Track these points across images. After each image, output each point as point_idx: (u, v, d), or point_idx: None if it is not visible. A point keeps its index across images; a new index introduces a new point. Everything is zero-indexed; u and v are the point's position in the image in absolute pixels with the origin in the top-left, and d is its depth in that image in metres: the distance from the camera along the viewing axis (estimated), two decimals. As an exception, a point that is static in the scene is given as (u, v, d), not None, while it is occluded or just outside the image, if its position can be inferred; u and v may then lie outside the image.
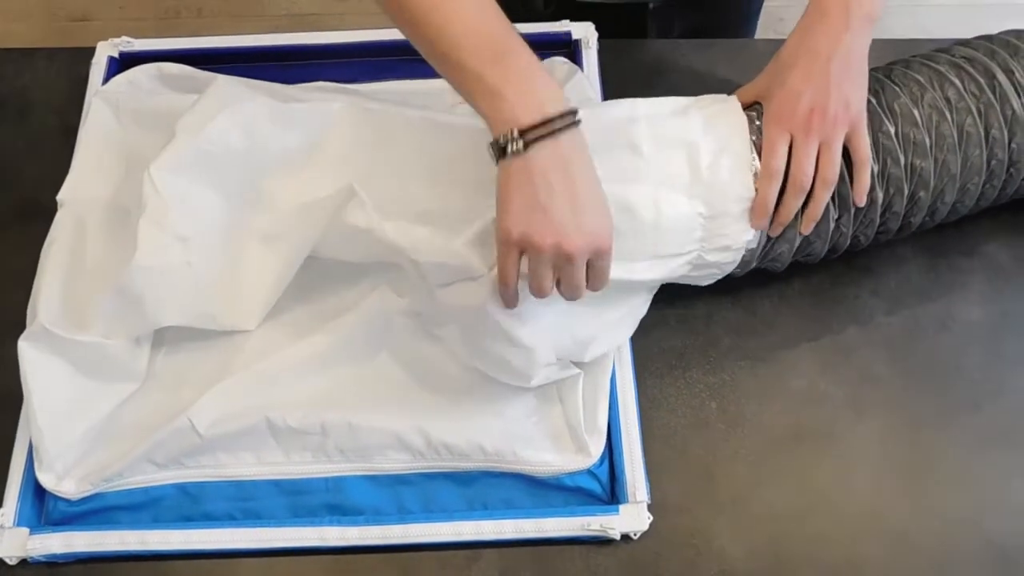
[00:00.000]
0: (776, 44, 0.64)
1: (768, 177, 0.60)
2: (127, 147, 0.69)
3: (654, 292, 0.65)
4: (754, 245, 0.63)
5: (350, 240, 0.60)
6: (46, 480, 0.60)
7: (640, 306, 0.64)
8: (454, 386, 0.62)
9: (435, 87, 0.74)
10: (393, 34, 0.77)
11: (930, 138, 0.62)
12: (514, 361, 0.59)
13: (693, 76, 0.77)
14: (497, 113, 0.50)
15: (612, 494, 0.60)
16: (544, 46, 0.74)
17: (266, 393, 0.61)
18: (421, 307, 0.62)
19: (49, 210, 0.67)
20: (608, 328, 0.62)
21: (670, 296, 0.64)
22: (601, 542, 0.59)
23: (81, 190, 0.67)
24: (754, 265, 0.65)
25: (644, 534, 0.59)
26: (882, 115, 0.62)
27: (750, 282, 0.66)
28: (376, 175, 0.62)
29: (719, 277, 0.65)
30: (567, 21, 0.76)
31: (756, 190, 0.60)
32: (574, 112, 0.51)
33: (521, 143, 0.50)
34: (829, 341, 0.66)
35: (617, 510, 0.59)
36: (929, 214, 0.65)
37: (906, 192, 0.63)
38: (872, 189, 0.62)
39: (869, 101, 0.62)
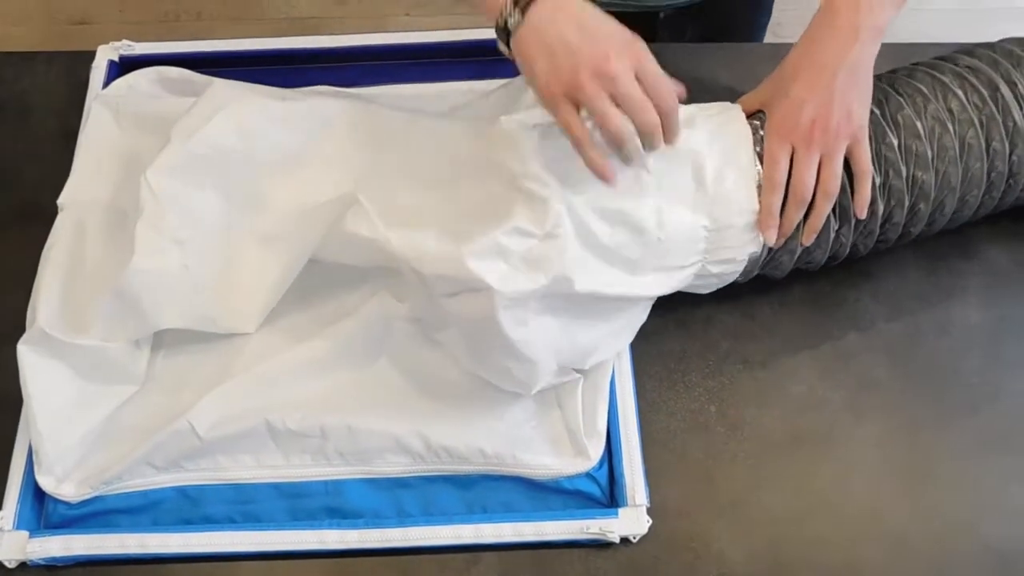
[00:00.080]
0: (776, 48, 0.64)
1: (770, 189, 0.60)
2: (127, 151, 0.69)
3: (654, 299, 0.65)
4: (757, 255, 0.63)
5: (351, 246, 0.60)
6: (46, 483, 0.60)
7: (640, 314, 0.64)
8: (454, 390, 0.62)
9: (434, 91, 0.75)
10: (392, 38, 0.78)
11: (932, 150, 0.62)
12: (517, 372, 0.59)
13: (696, 80, 0.76)
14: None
15: (611, 497, 0.60)
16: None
17: (266, 396, 0.61)
18: (421, 313, 0.62)
19: (49, 213, 0.67)
20: (609, 336, 0.62)
21: (670, 301, 0.64)
22: (600, 545, 0.59)
23: (81, 194, 0.68)
24: (755, 273, 0.65)
25: (643, 538, 0.59)
26: (885, 127, 0.62)
27: (749, 287, 0.66)
28: (376, 178, 0.62)
29: (720, 286, 0.65)
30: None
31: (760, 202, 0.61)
32: None
33: (518, 13, 0.52)
34: (828, 345, 0.66)
35: (616, 513, 0.59)
36: (928, 224, 0.65)
37: (906, 204, 0.63)
38: (873, 201, 0.62)
39: (873, 112, 0.62)
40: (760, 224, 0.60)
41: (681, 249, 0.60)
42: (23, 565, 0.59)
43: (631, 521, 0.59)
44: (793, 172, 0.60)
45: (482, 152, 0.60)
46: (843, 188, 0.61)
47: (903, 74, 0.66)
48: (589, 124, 0.55)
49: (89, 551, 0.59)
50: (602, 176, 0.55)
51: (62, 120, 0.75)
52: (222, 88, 0.66)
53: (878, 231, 0.64)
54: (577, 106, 0.53)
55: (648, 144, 0.55)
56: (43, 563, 0.59)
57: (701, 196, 0.60)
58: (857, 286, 0.68)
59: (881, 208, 0.63)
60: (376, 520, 0.60)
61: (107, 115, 0.71)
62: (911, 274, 0.69)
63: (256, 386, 0.61)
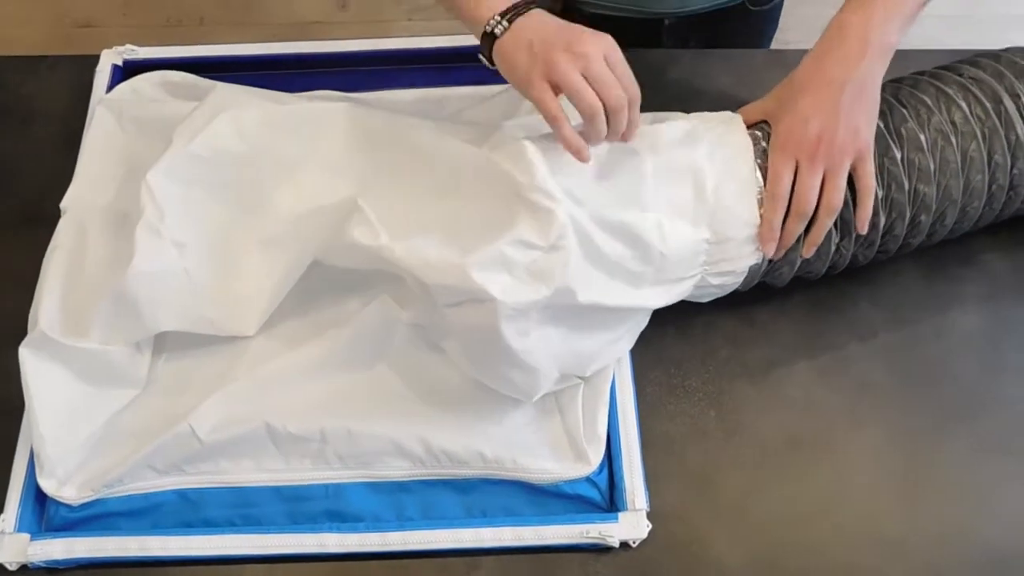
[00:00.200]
0: (780, 54, 0.64)
1: (773, 204, 0.60)
2: (130, 155, 0.69)
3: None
4: (757, 266, 0.63)
5: (354, 253, 0.60)
6: (47, 486, 0.60)
7: (641, 321, 0.64)
8: (454, 394, 0.62)
9: (436, 96, 0.75)
10: (394, 43, 0.78)
11: (934, 163, 0.62)
12: (518, 380, 0.59)
13: (697, 85, 0.77)
14: (476, 11, 0.57)
15: (611, 502, 0.61)
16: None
17: (266, 399, 0.61)
18: (423, 319, 0.62)
19: (52, 217, 0.68)
20: (610, 344, 0.62)
21: (670, 307, 0.64)
22: (600, 550, 0.59)
23: (84, 197, 0.68)
24: (755, 282, 0.65)
25: (643, 542, 0.59)
26: (889, 140, 0.63)
27: (749, 293, 0.67)
28: (377, 184, 0.63)
29: (720, 296, 0.65)
30: (573, 28, 0.77)
31: (761, 216, 0.61)
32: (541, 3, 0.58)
33: (504, 22, 0.56)
34: (827, 351, 0.67)
35: (616, 518, 0.59)
36: (928, 236, 0.66)
37: (908, 216, 0.63)
38: (875, 214, 0.62)
39: (877, 124, 0.62)
40: (761, 237, 0.61)
41: (682, 262, 0.61)
42: (24, 568, 0.59)
43: (631, 525, 0.59)
44: (796, 186, 0.60)
45: (485, 160, 0.60)
46: (845, 202, 0.61)
47: (907, 84, 0.66)
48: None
49: (90, 554, 0.59)
50: (576, 153, 0.56)
51: (66, 123, 0.76)
52: (224, 92, 0.66)
53: (878, 242, 0.64)
54: (553, 89, 0.55)
55: (614, 123, 0.56)
56: (44, 565, 0.59)
57: (702, 209, 0.60)
58: (856, 292, 0.69)
59: (883, 221, 0.63)
60: (376, 524, 0.60)
61: (111, 119, 0.71)
62: (910, 281, 0.69)
63: (257, 389, 0.62)
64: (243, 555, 0.59)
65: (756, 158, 0.61)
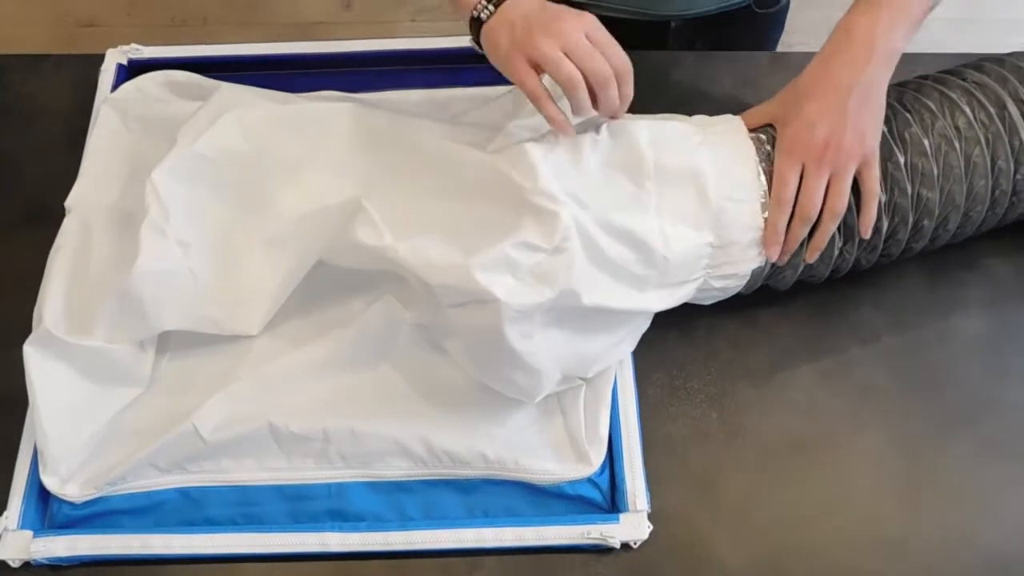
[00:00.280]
0: (785, 57, 0.64)
1: (778, 207, 0.60)
2: (135, 154, 0.69)
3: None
4: (760, 270, 0.63)
5: (358, 254, 0.60)
6: (50, 483, 0.60)
7: (643, 323, 0.64)
8: (457, 395, 0.63)
9: (440, 97, 0.75)
10: (397, 44, 0.78)
11: (938, 168, 0.62)
12: (521, 382, 0.59)
13: (701, 88, 0.77)
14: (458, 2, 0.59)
15: (612, 503, 0.61)
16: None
17: (270, 399, 0.62)
18: (426, 319, 0.62)
19: (56, 216, 0.68)
20: (612, 346, 0.63)
21: (672, 309, 0.64)
22: (601, 551, 0.59)
23: (89, 196, 0.68)
24: (758, 285, 0.65)
25: (644, 543, 0.59)
26: (892, 144, 0.63)
27: (752, 295, 0.67)
28: (380, 185, 0.63)
29: (723, 299, 0.65)
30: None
31: (765, 220, 0.61)
32: None
33: (491, 7, 0.58)
34: (829, 353, 0.67)
35: (617, 519, 0.59)
36: (931, 240, 0.66)
37: (911, 221, 0.63)
38: (878, 218, 0.62)
39: (881, 130, 0.62)
40: (765, 241, 0.61)
41: (685, 265, 0.61)
42: (27, 565, 0.59)
43: (632, 527, 0.59)
44: (801, 190, 0.60)
45: (488, 163, 0.60)
46: (849, 207, 0.61)
47: (911, 89, 0.66)
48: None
49: (93, 551, 0.59)
50: (561, 129, 0.58)
51: (70, 123, 0.76)
52: (229, 92, 0.66)
53: (881, 247, 0.64)
54: (536, 68, 0.56)
55: (604, 99, 0.57)
56: (47, 563, 0.59)
57: (704, 213, 0.60)
58: (859, 296, 0.69)
59: (885, 225, 0.63)
60: (378, 523, 0.60)
61: (115, 118, 0.71)
62: (913, 285, 0.69)
63: (260, 389, 0.62)
64: (245, 554, 0.59)
65: (759, 162, 0.61)
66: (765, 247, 0.61)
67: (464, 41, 0.77)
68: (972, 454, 0.63)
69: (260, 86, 0.69)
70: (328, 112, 0.65)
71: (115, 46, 0.78)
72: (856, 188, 0.61)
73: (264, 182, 0.64)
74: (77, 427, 0.61)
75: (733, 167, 0.61)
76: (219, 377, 0.63)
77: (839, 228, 0.62)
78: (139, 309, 0.60)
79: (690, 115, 0.65)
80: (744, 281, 0.63)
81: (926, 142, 0.62)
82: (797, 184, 0.60)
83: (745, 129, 0.63)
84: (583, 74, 0.55)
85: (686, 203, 0.60)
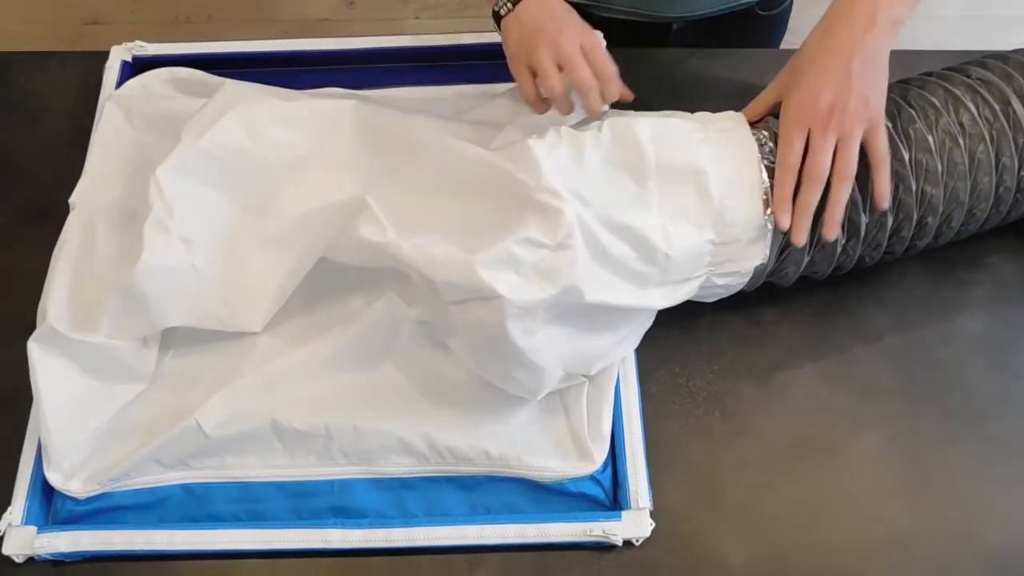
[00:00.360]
0: (786, 55, 0.64)
1: (783, 172, 0.60)
2: (139, 151, 0.69)
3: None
4: (762, 267, 0.63)
5: (361, 250, 0.60)
6: (54, 479, 0.60)
7: (646, 321, 0.64)
8: (459, 392, 0.63)
9: (444, 94, 0.75)
10: (401, 41, 0.78)
11: (942, 164, 0.62)
12: (524, 379, 0.59)
13: (705, 86, 0.77)
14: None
15: (615, 500, 0.61)
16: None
17: (273, 396, 0.62)
18: (430, 317, 0.62)
19: (61, 212, 0.68)
20: (615, 344, 0.63)
21: (675, 307, 0.64)
22: (603, 548, 0.60)
23: (93, 193, 0.68)
24: (760, 282, 0.65)
25: (646, 541, 0.59)
26: (897, 141, 0.62)
27: (755, 293, 0.67)
28: (384, 182, 0.63)
29: (725, 296, 0.65)
30: (576, 28, 0.77)
31: (767, 217, 0.60)
32: None
33: (510, 4, 0.63)
34: (832, 353, 0.67)
35: (619, 516, 0.59)
36: (935, 238, 0.66)
37: (915, 218, 0.63)
38: (883, 214, 0.62)
39: (886, 126, 0.61)
40: (774, 209, 0.60)
41: (687, 263, 0.61)
42: (31, 560, 0.59)
43: (634, 524, 0.59)
44: (808, 154, 0.60)
45: (491, 160, 0.60)
46: (853, 202, 0.61)
47: (916, 85, 0.66)
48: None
49: (96, 547, 0.59)
50: (540, 110, 0.64)
51: (75, 119, 0.76)
52: (233, 89, 0.66)
53: (885, 244, 0.64)
54: (534, 73, 0.62)
55: (585, 102, 0.62)
56: (51, 558, 0.59)
57: (706, 211, 0.60)
58: (862, 294, 0.68)
59: (889, 222, 0.63)
60: (380, 520, 0.60)
61: (120, 115, 0.71)
62: (916, 283, 0.69)
63: (263, 386, 0.62)
64: (248, 550, 0.59)
65: (761, 159, 0.61)
66: (775, 216, 0.60)
67: (467, 38, 0.77)
68: (975, 453, 0.63)
69: (264, 83, 0.69)
70: (332, 110, 0.65)
71: (120, 43, 0.78)
72: (865, 162, 0.60)
73: (268, 179, 0.64)
74: (81, 423, 0.61)
75: (735, 164, 0.61)
76: (222, 374, 0.63)
77: (841, 225, 0.62)
78: (143, 306, 0.61)
79: (693, 112, 0.65)
80: (747, 278, 0.63)
81: (930, 138, 0.62)
82: (802, 149, 0.60)
83: (747, 126, 0.62)
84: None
85: (688, 200, 0.60)
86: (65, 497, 0.61)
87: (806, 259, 0.63)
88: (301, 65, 0.78)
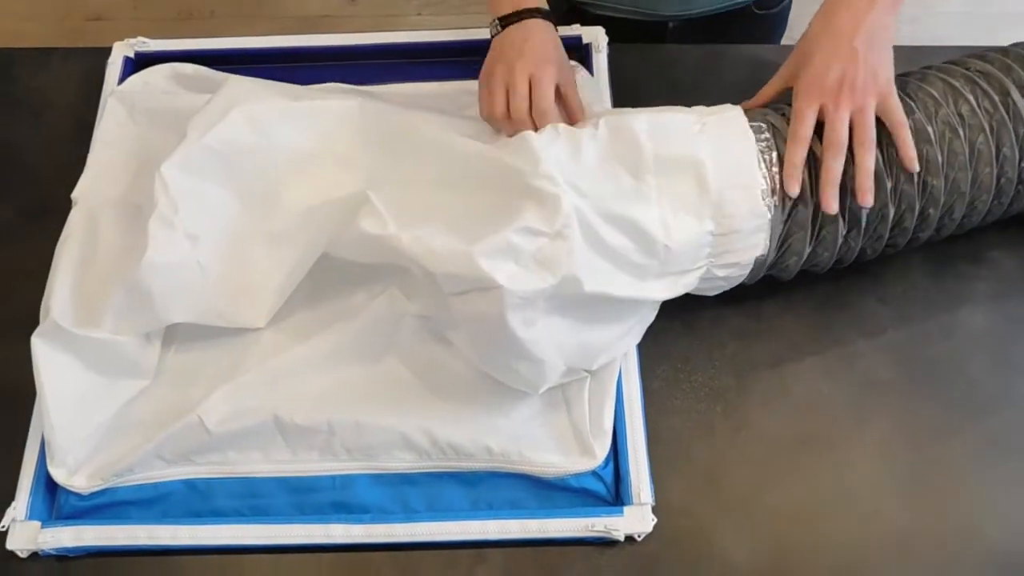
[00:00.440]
0: (786, 51, 0.64)
1: (795, 142, 0.60)
2: (142, 147, 0.69)
3: (662, 300, 0.65)
4: (763, 258, 0.63)
5: (362, 244, 0.60)
6: (57, 474, 0.61)
7: (648, 314, 0.64)
8: (461, 388, 0.63)
9: (446, 90, 0.75)
10: (403, 37, 0.78)
11: (942, 155, 0.62)
12: (525, 371, 0.59)
13: (703, 82, 0.77)
14: (492, 7, 0.68)
15: (616, 496, 0.61)
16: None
17: (275, 391, 0.62)
18: (431, 311, 0.62)
19: (64, 208, 0.68)
20: (617, 337, 0.63)
21: (676, 302, 0.64)
22: (605, 543, 0.60)
23: (95, 189, 0.68)
24: (761, 275, 0.65)
25: (648, 536, 0.59)
26: None
27: (756, 288, 0.67)
28: (387, 178, 0.63)
29: (727, 289, 0.65)
30: (577, 25, 0.77)
31: (766, 208, 0.60)
32: (544, 11, 0.67)
33: (499, 26, 0.67)
34: (834, 347, 0.67)
35: (621, 511, 0.59)
36: (936, 230, 0.65)
37: (917, 208, 0.63)
38: (884, 205, 0.62)
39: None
40: (784, 176, 0.60)
41: (687, 254, 0.61)
42: (35, 555, 0.60)
43: (636, 519, 0.59)
44: (826, 126, 0.60)
45: (491, 155, 0.60)
46: (844, 188, 0.61)
47: (915, 78, 0.66)
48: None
49: (100, 542, 0.59)
50: (508, 131, 0.65)
51: (77, 115, 0.76)
52: (238, 85, 0.66)
53: (887, 236, 0.64)
54: (504, 92, 0.64)
55: (518, 126, 0.64)
56: (54, 553, 0.60)
57: (705, 202, 0.60)
58: (864, 289, 0.68)
59: (892, 212, 0.63)
60: (382, 515, 0.60)
61: (122, 111, 0.71)
62: (918, 278, 0.69)
63: (265, 381, 0.62)
64: (250, 545, 0.59)
65: (759, 151, 0.61)
66: (785, 181, 0.60)
67: (469, 34, 0.77)
68: (976, 448, 0.63)
69: (266, 79, 0.70)
70: (335, 107, 0.65)
71: (122, 39, 0.78)
72: (881, 147, 0.61)
73: (272, 176, 0.64)
74: (84, 418, 0.61)
75: (732, 155, 0.61)
76: (224, 370, 0.63)
77: (843, 215, 0.62)
78: (147, 301, 0.61)
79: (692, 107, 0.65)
80: (747, 270, 0.63)
81: (930, 129, 0.62)
82: (814, 122, 0.61)
83: (744, 118, 0.63)
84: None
85: (686, 192, 0.60)
86: (68, 492, 0.61)
87: (807, 250, 0.63)
88: (303, 61, 0.78)
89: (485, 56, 0.67)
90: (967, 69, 0.65)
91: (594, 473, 0.61)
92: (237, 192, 0.64)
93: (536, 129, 0.62)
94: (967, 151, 0.63)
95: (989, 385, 0.65)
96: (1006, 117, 0.63)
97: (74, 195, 0.69)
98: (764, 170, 0.61)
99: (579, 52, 0.77)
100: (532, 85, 0.63)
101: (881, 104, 0.61)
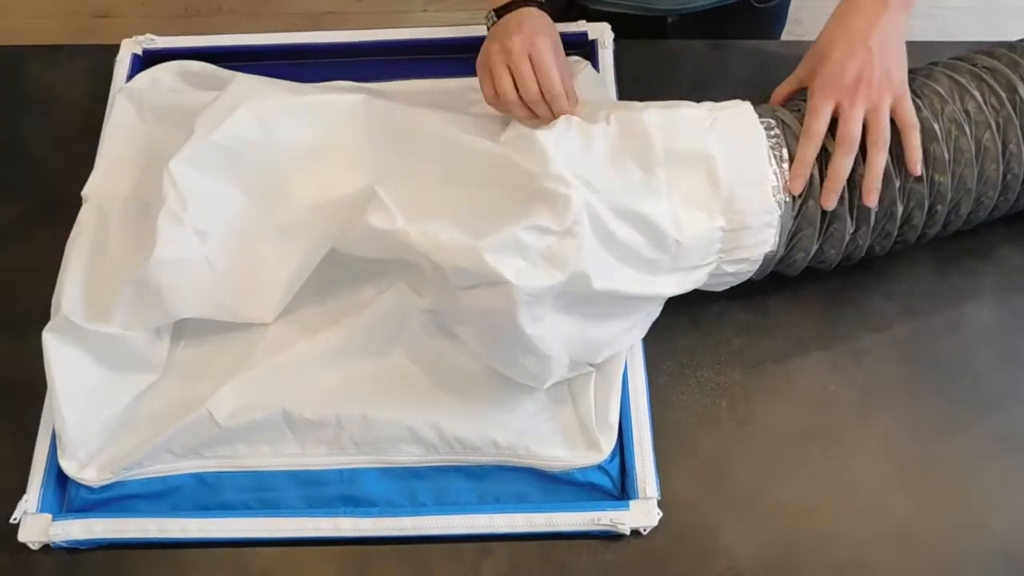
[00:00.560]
0: (793, 46, 0.65)
1: (807, 139, 0.61)
2: (150, 143, 0.70)
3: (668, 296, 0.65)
4: (772, 254, 0.63)
5: (370, 239, 0.61)
6: (68, 468, 0.61)
7: (654, 310, 0.64)
8: (468, 382, 0.63)
9: (451, 87, 0.76)
10: (409, 34, 0.78)
11: (948, 152, 0.62)
12: (531, 366, 0.60)
13: (708, 77, 0.77)
14: (487, 4, 0.68)
15: (622, 490, 0.61)
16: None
17: (283, 386, 0.62)
18: (438, 305, 0.62)
19: (74, 205, 0.69)
20: (622, 333, 0.63)
21: (682, 297, 0.64)
22: (610, 538, 0.60)
23: (105, 185, 0.69)
24: (769, 271, 0.65)
25: (653, 530, 0.60)
26: None
27: (762, 284, 0.67)
28: (394, 173, 0.63)
29: (734, 284, 0.65)
30: (583, 22, 0.77)
31: (776, 203, 0.60)
32: (539, 2, 0.67)
33: (494, 17, 0.67)
34: (840, 343, 0.67)
35: (627, 505, 0.59)
36: (943, 226, 0.65)
37: (926, 206, 0.63)
38: (892, 203, 0.62)
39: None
40: (791, 173, 0.61)
41: (698, 250, 0.61)
42: (46, 547, 0.60)
43: (642, 513, 0.59)
44: (840, 123, 0.61)
45: (499, 151, 0.61)
46: (854, 186, 0.61)
47: (921, 75, 0.66)
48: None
49: (110, 535, 0.60)
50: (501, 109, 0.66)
51: (86, 112, 0.76)
52: (245, 82, 0.67)
53: (896, 233, 0.64)
54: (495, 76, 0.64)
55: (535, 111, 0.64)
56: (65, 546, 0.60)
57: (716, 197, 0.60)
58: (869, 285, 0.68)
59: (900, 210, 0.63)
60: (390, 509, 0.60)
61: (130, 108, 0.72)
62: (924, 273, 0.69)
63: (274, 376, 0.62)
64: (259, 538, 0.60)
65: (769, 147, 0.61)
66: (791, 179, 0.61)
67: (475, 31, 0.77)
68: (982, 444, 0.63)
69: (272, 76, 0.70)
70: (342, 103, 0.65)
71: (129, 36, 0.78)
72: (893, 146, 0.61)
73: (279, 172, 0.65)
74: (95, 412, 0.62)
75: (743, 151, 0.61)
76: (233, 364, 0.63)
77: (850, 213, 0.62)
78: (156, 297, 0.61)
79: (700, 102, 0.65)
80: (756, 266, 0.63)
81: (936, 126, 0.62)
82: (828, 119, 0.61)
83: (754, 114, 0.63)
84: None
85: (697, 188, 0.60)
86: (79, 486, 0.62)
87: (815, 247, 0.63)
88: (309, 58, 0.78)
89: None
90: (974, 65, 0.65)
91: (600, 467, 0.61)
92: (245, 188, 0.64)
93: (550, 109, 0.62)
94: (973, 148, 0.62)
95: (995, 381, 0.65)
96: (1013, 114, 0.63)
97: (84, 192, 0.69)
98: (775, 166, 0.61)
99: (584, 48, 0.77)
100: (534, 66, 0.62)
101: (895, 104, 0.61)
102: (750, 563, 0.60)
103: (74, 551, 0.61)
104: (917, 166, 0.61)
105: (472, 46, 0.77)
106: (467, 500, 0.61)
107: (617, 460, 0.61)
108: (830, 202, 0.61)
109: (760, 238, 0.61)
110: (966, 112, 0.63)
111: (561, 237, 0.57)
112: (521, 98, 0.63)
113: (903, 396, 0.65)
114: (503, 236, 0.56)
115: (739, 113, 0.62)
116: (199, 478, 0.62)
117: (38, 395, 0.63)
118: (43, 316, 0.63)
